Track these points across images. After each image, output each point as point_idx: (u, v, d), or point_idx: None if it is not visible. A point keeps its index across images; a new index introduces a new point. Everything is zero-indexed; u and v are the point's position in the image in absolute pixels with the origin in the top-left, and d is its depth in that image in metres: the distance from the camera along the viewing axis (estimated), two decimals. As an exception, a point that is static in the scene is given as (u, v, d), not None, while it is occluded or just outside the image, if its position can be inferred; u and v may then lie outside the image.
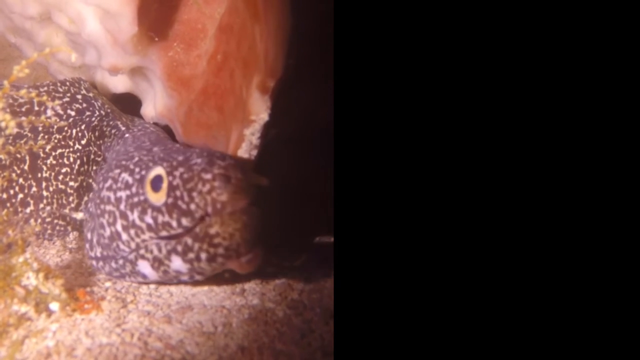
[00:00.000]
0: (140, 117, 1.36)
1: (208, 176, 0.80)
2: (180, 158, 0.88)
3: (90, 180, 1.24)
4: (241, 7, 1.09)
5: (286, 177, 1.40)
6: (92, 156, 1.25)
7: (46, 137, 1.25)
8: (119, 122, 1.25)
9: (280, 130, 1.16)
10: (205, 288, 1.03)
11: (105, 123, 1.26)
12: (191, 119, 1.20)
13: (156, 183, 0.89)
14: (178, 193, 0.84)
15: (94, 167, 1.24)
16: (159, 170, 0.89)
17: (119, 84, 1.38)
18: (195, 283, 1.03)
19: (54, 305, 0.95)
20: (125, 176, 0.98)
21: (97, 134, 1.25)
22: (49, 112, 1.26)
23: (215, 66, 1.16)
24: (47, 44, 1.45)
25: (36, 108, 1.28)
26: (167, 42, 1.25)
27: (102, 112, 1.28)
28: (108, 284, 1.07)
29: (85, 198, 1.24)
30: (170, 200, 0.85)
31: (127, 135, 1.22)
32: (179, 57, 1.25)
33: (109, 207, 0.99)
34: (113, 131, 1.25)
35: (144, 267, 0.94)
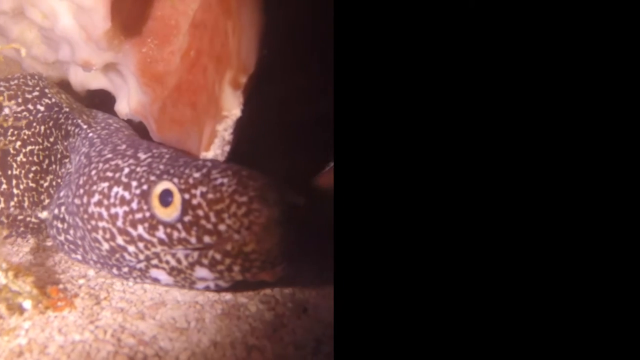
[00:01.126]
0: (114, 114, 1.35)
1: (243, 199, 0.78)
2: (197, 175, 0.85)
3: (59, 180, 1.23)
4: (214, 4, 1.09)
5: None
6: (59, 155, 1.24)
7: (16, 133, 1.23)
8: (79, 120, 1.22)
9: (255, 125, 1.16)
10: (179, 284, 1.03)
11: (70, 122, 1.24)
12: (165, 115, 1.20)
13: (164, 198, 0.87)
14: (201, 213, 0.82)
15: (61, 169, 1.23)
16: (166, 185, 0.87)
17: (93, 81, 1.37)
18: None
19: (27, 303, 0.95)
20: (119, 191, 0.94)
21: (63, 132, 1.24)
22: (15, 108, 1.24)
23: (189, 62, 1.16)
24: (20, 40, 1.43)
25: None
26: (141, 38, 1.24)
27: (65, 109, 1.27)
28: (82, 281, 1.07)
29: (49, 200, 1.22)
30: (188, 219, 0.83)
31: (91, 135, 1.18)
32: (153, 53, 1.24)
33: (102, 224, 0.96)
34: (76, 130, 1.22)
35: (159, 274, 0.93)
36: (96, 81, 1.38)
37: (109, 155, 1.04)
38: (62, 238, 1.12)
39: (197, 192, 0.83)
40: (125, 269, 0.97)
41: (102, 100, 1.43)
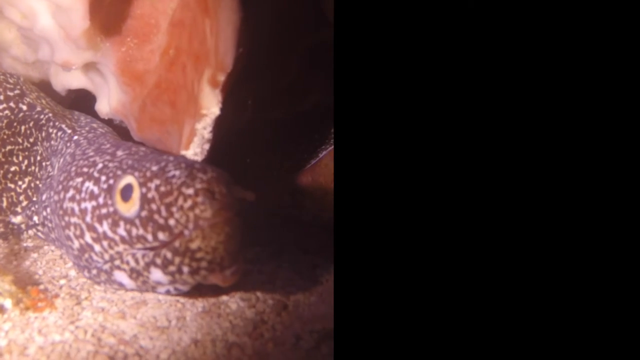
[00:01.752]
0: (95, 113, 1.35)
1: (190, 191, 0.76)
2: (155, 168, 0.83)
3: (38, 183, 1.22)
4: (192, 2, 1.09)
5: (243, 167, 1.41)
6: (38, 157, 1.23)
7: None
8: (63, 125, 1.20)
9: (235, 124, 1.16)
10: (160, 283, 1.03)
11: (51, 124, 1.23)
12: (145, 114, 1.20)
13: (126, 192, 0.85)
14: (154, 207, 0.80)
15: (41, 171, 1.22)
16: (129, 180, 0.85)
17: (73, 80, 1.36)
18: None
19: (7, 303, 0.95)
20: (90, 185, 0.93)
21: (43, 134, 1.23)
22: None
23: (168, 61, 1.15)
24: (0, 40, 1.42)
25: None
26: (120, 37, 1.24)
27: (48, 113, 1.26)
28: (63, 281, 1.07)
29: (27, 202, 1.21)
30: (144, 213, 0.81)
31: (76, 137, 1.17)
32: (133, 52, 1.24)
33: (74, 220, 0.95)
34: (59, 133, 1.20)
35: (121, 277, 0.91)
36: (77, 81, 1.37)
37: (91, 154, 1.04)
38: (53, 236, 1.13)
39: (152, 185, 0.81)
40: (94, 271, 0.95)
41: (83, 100, 1.42)
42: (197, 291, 1.00)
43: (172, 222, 0.78)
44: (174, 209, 0.77)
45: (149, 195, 0.81)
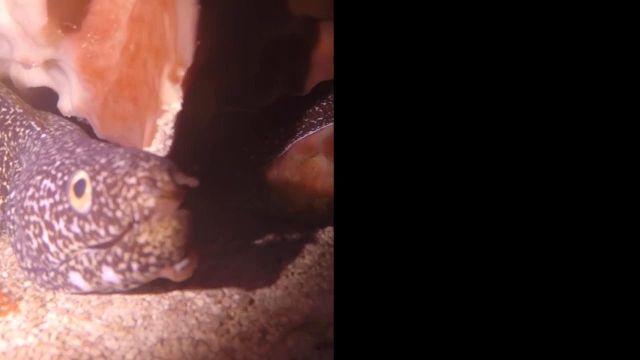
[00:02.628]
0: (58, 111, 1.32)
1: (132, 180, 0.75)
2: (103, 161, 0.82)
3: (5, 184, 1.20)
4: (151, -4, 1.08)
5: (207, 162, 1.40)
6: (5, 158, 1.21)
7: None
8: (32, 122, 1.18)
9: (197, 118, 1.15)
10: (126, 282, 1.03)
11: (18, 123, 1.21)
12: (107, 111, 1.18)
13: (79, 188, 0.83)
14: (103, 200, 0.78)
15: (8, 170, 1.20)
16: (81, 175, 0.84)
17: (35, 78, 1.34)
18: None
19: (-30, 307, 0.94)
20: (47, 183, 0.91)
21: (10, 134, 1.21)
22: None
23: (128, 57, 1.14)
24: (-42, 38, 1.39)
25: None
26: (80, 34, 1.22)
27: (16, 110, 1.23)
28: (27, 283, 1.05)
29: (0, 202, 1.19)
30: (95, 208, 0.80)
31: (43, 135, 1.15)
32: (93, 48, 1.22)
33: (33, 218, 0.93)
34: (27, 131, 1.18)
35: (76, 279, 0.89)
36: (38, 78, 1.34)
37: (53, 152, 1.02)
38: (12, 239, 1.10)
39: (101, 177, 0.79)
40: (52, 274, 0.93)
41: (45, 98, 1.40)
42: (164, 288, 1.00)
43: (119, 214, 0.76)
44: (119, 200, 0.76)
45: (98, 188, 0.79)
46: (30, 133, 1.17)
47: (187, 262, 0.78)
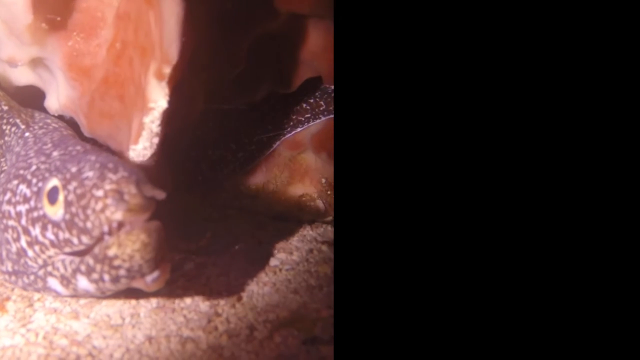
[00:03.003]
0: (45, 110, 1.32)
1: (99, 193, 0.75)
2: (74, 170, 0.82)
3: None
4: (136, -7, 1.07)
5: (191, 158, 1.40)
6: None
7: None
8: (18, 120, 1.17)
9: (184, 116, 1.15)
10: (114, 280, 1.02)
11: (5, 121, 1.20)
12: (94, 109, 1.17)
13: (53, 195, 0.83)
14: (74, 209, 0.79)
15: None
16: (54, 182, 0.84)
17: (21, 77, 1.33)
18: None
19: (-43, 308, 0.93)
20: (23, 188, 0.91)
21: None
22: None
23: (115, 54, 1.13)
24: (-56, 37, 1.38)
25: None
26: (66, 32, 1.21)
27: (2, 107, 1.23)
28: (15, 283, 1.05)
29: None
30: (67, 217, 0.80)
31: (27, 134, 1.13)
32: (79, 46, 1.21)
33: (11, 223, 0.92)
34: (13, 129, 1.17)
35: (54, 284, 0.89)
36: (24, 77, 1.34)
37: (31, 154, 1.01)
38: None
39: (71, 187, 0.80)
40: (32, 277, 0.92)
41: (32, 97, 1.39)
42: (152, 287, 1.00)
43: (89, 225, 0.77)
44: (89, 212, 0.76)
45: (69, 198, 0.80)
46: (16, 131, 1.16)
47: (157, 273, 0.78)
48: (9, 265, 0.96)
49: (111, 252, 0.75)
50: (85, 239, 0.78)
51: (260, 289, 0.98)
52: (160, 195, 0.75)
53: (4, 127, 1.21)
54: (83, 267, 0.81)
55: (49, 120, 1.23)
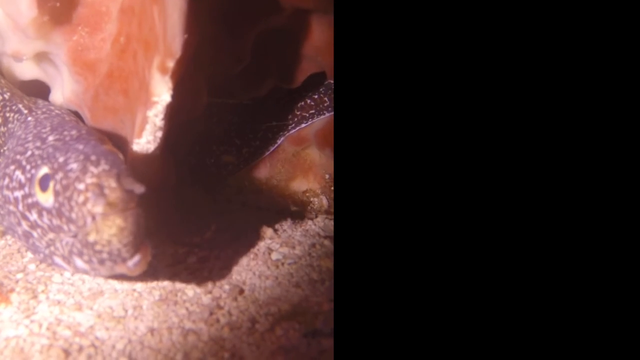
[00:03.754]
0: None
1: (81, 186, 0.77)
2: (61, 160, 0.83)
3: None
4: (140, -12, 1.07)
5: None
6: None
7: None
8: (20, 105, 1.18)
9: (187, 110, 1.15)
10: (118, 272, 1.03)
11: (8, 108, 1.21)
12: (98, 103, 1.18)
13: (44, 182, 0.85)
14: (60, 199, 0.81)
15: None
16: (44, 170, 0.86)
17: (26, 71, 1.34)
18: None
19: (-38, 299, 0.94)
20: (19, 174, 0.92)
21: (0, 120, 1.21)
22: None
23: (119, 49, 1.14)
24: (-50, 31, 1.39)
25: None
26: (71, 26, 1.22)
27: (4, 95, 1.23)
28: (20, 275, 1.05)
29: None
30: (57, 205, 0.83)
31: (29, 119, 1.14)
32: (84, 41, 1.22)
33: (11, 208, 0.95)
34: (16, 116, 1.18)
35: (59, 262, 0.92)
36: (29, 72, 1.34)
37: (29, 138, 1.01)
38: (6, 224, 1.10)
39: (58, 177, 0.82)
40: (41, 255, 0.95)
41: (37, 92, 1.40)
42: (154, 279, 1.00)
43: (73, 215, 0.79)
44: (72, 203, 0.78)
45: (57, 187, 0.82)
46: (19, 117, 1.17)
47: (138, 257, 0.79)
48: (23, 243, 0.98)
49: (91, 238, 0.78)
50: (72, 227, 0.81)
51: (262, 282, 0.98)
52: (139, 189, 0.76)
53: (7, 114, 1.21)
54: (75, 250, 0.83)
55: (52, 107, 1.23)
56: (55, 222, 0.83)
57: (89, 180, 0.76)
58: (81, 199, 0.76)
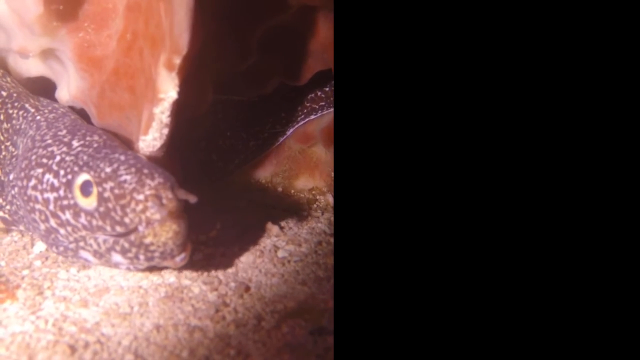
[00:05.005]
0: (55, 101, 1.32)
1: (140, 197, 0.86)
2: (108, 170, 0.92)
3: None
4: (147, -16, 1.07)
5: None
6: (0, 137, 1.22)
7: None
8: (26, 104, 1.21)
9: (193, 107, 1.15)
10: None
11: (9, 105, 1.22)
12: (104, 100, 1.18)
13: (85, 188, 0.93)
14: (110, 205, 0.90)
15: (1, 153, 1.20)
16: (85, 177, 0.94)
17: (32, 68, 1.34)
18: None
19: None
20: (50, 178, 0.99)
21: (1, 116, 1.21)
22: None
23: (125, 45, 1.14)
24: (-44, 28, 1.39)
25: None
26: (77, 23, 1.21)
27: (10, 92, 1.24)
28: (26, 271, 1.06)
29: None
30: (102, 209, 0.91)
31: (38, 117, 1.17)
32: (90, 37, 1.22)
33: (38, 206, 1.01)
34: (21, 112, 1.20)
35: (86, 255, 0.98)
36: (35, 68, 1.34)
37: (49, 141, 1.06)
38: (21, 213, 1.13)
39: (107, 186, 0.90)
40: (61, 248, 1.01)
41: (43, 88, 1.40)
42: (160, 276, 1.00)
43: (127, 220, 0.88)
44: (128, 210, 0.88)
45: (105, 195, 0.90)
46: (25, 115, 1.20)
47: (184, 254, 0.91)
48: (37, 235, 1.05)
49: (147, 240, 0.88)
50: (119, 229, 0.90)
51: (268, 280, 0.98)
52: (193, 199, 0.86)
53: (10, 110, 1.23)
54: (118, 247, 0.92)
55: (56, 105, 1.26)
56: (97, 223, 0.92)
57: (148, 192, 0.87)
58: (140, 207, 0.86)
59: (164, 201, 0.86)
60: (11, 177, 1.15)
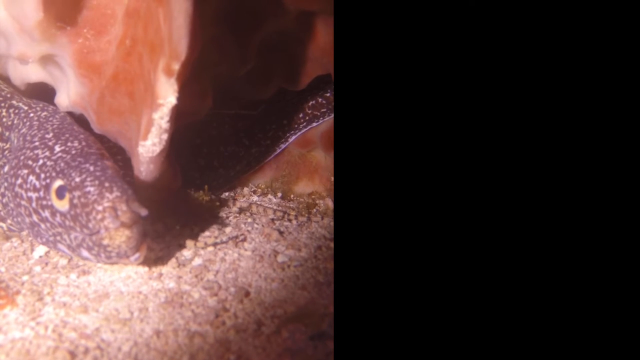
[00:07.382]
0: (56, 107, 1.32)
1: (99, 208, 0.99)
2: (77, 180, 1.04)
3: None
4: (146, -10, 1.08)
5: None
6: None
7: None
8: (21, 103, 1.27)
9: (193, 113, 1.15)
10: (123, 275, 1.03)
11: (2, 104, 1.28)
12: (104, 106, 1.18)
13: (60, 192, 1.05)
14: (78, 210, 1.02)
15: None
16: (60, 182, 1.06)
17: (32, 74, 1.34)
18: (114, 272, 1.04)
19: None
20: (33, 179, 1.11)
21: None
22: None
23: (124, 51, 1.14)
24: (-45, 35, 1.39)
25: None
26: (77, 29, 1.22)
27: (2, 90, 1.27)
28: (25, 277, 1.06)
29: None
30: (72, 213, 1.04)
31: (31, 114, 1.25)
32: (90, 43, 1.22)
33: (23, 203, 1.13)
34: (11, 110, 1.28)
35: (63, 248, 1.11)
36: (35, 74, 1.34)
37: (37, 144, 1.15)
38: (12, 205, 1.19)
39: (76, 194, 1.03)
40: (44, 239, 1.13)
41: (43, 94, 1.40)
42: (160, 282, 1.00)
43: (90, 225, 1.01)
44: (90, 217, 1.00)
45: (74, 201, 1.03)
46: (17, 112, 1.26)
47: (138, 254, 1.02)
48: (28, 228, 1.17)
49: (105, 242, 1.00)
50: (85, 231, 1.03)
51: (268, 284, 0.98)
52: (144, 212, 0.98)
53: (3, 110, 1.29)
54: (85, 245, 1.04)
55: (46, 104, 1.31)
56: (69, 223, 1.05)
57: (106, 204, 0.99)
58: (99, 216, 0.99)
59: (119, 213, 0.98)
60: (5, 170, 1.22)
